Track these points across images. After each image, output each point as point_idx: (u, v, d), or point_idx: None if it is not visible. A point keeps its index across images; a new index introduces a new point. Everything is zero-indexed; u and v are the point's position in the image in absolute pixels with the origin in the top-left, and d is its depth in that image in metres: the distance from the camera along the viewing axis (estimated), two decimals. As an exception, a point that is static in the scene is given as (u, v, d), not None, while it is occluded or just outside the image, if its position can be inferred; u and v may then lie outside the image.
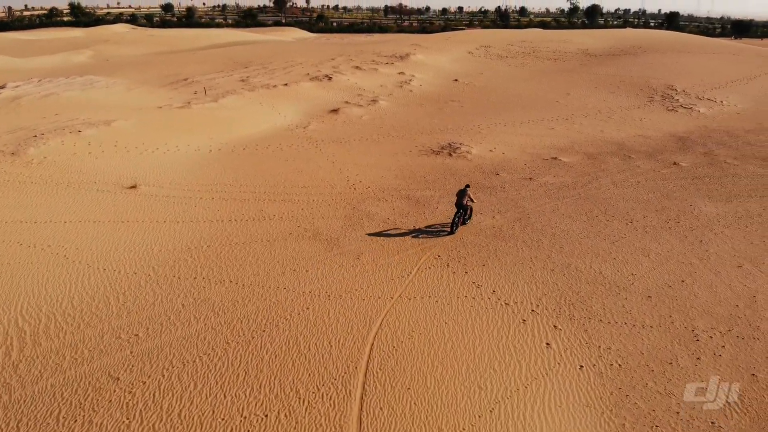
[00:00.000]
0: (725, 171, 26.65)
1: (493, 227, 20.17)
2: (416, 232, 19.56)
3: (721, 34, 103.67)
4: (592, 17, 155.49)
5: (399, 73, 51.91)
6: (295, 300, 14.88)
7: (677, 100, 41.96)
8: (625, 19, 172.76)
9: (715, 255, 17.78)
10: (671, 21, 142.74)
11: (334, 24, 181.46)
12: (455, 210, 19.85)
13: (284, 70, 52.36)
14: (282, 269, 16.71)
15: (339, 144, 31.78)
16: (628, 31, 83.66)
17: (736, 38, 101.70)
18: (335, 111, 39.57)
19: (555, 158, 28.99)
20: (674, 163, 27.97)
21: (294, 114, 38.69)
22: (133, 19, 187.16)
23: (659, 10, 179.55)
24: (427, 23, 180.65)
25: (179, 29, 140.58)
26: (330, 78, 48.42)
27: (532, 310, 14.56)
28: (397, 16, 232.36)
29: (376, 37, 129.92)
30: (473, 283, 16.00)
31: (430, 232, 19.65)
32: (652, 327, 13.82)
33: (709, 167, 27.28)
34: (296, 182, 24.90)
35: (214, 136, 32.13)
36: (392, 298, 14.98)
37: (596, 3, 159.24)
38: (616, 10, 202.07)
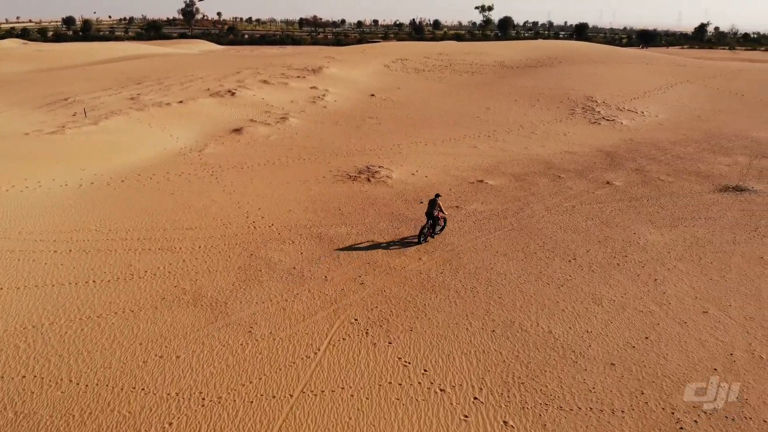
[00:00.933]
0: (662, 190, 24.90)
1: (420, 273, 16.87)
2: (328, 285, 15.91)
3: (628, 44, 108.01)
4: (504, 29, 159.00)
5: (311, 88, 48.26)
6: (156, 409, 10.76)
7: (599, 112, 40.97)
8: (535, 31, 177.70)
9: (675, 298, 15.31)
10: (580, 32, 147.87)
11: (246, 36, 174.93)
12: (425, 221, 19.34)
13: (181, 86, 47.29)
14: (144, 355, 12.50)
15: (240, 170, 27.62)
16: (542, 43, 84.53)
17: (644, 47, 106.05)
18: (238, 131, 35.30)
19: (481, 181, 26.30)
20: (607, 183, 26.02)
21: (189, 135, 34.03)
22: (24, 33, 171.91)
23: (565, 22, 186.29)
24: (342, 36, 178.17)
25: (73, 43, 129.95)
26: (233, 93, 43.98)
27: (475, 398, 11.24)
28: (312, 28, 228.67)
29: (289, 49, 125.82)
30: (399, 358, 12.51)
31: (347, 284, 16.06)
32: (623, 412, 10.87)
33: (644, 186, 25.50)
34: (181, 222, 20.56)
35: (88, 166, 27.04)
36: (292, 395, 11.18)
37: (508, 15, 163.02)
38: (525, 23, 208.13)
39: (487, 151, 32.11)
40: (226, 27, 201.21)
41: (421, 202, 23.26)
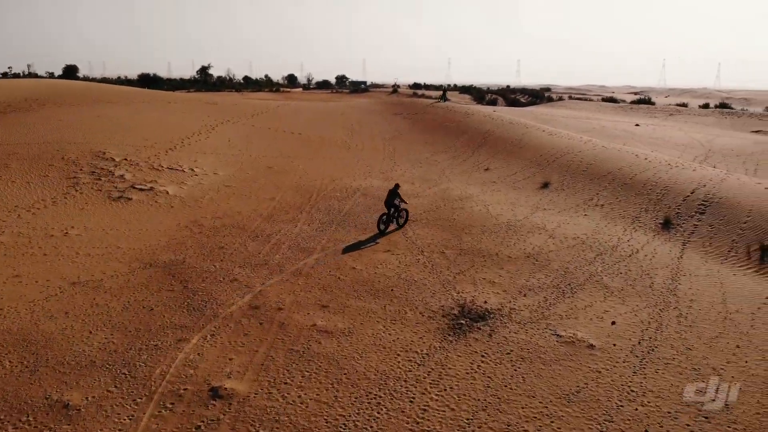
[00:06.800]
0: (340, 389, 9.95)
1: None
2: None
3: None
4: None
5: None
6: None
7: (121, 176, 23.49)
8: (4, 74, 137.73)
9: None
10: (70, 74, 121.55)
11: None
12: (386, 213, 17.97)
13: None
14: None
15: None
16: (8, 81, 59.27)
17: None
18: None
19: None
20: (213, 393, 9.51)
21: None
22: None
23: (51, 73, 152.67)
24: None
25: None
26: None
27: None
28: None
29: None
30: None
31: None
32: None
33: (292, 374, 10.02)
34: None
35: None
36: None
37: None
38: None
39: None
40: None
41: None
